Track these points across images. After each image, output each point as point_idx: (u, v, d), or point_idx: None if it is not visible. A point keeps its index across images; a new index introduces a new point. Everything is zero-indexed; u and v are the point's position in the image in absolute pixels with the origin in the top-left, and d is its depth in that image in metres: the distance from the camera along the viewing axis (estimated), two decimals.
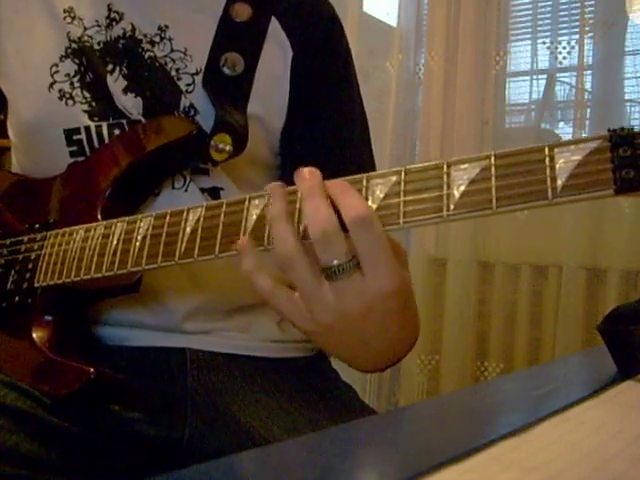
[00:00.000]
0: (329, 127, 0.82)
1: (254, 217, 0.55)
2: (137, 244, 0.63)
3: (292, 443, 0.36)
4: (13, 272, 0.73)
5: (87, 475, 0.72)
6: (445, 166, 0.49)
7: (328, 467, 0.30)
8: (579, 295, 1.79)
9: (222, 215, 0.57)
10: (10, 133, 0.82)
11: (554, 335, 1.84)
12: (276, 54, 0.80)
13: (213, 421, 0.74)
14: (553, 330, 1.84)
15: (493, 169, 0.47)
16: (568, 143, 0.45)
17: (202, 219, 0.59)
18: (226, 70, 0.76)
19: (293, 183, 0.53)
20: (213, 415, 0.74)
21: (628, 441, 0.34)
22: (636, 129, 0.43)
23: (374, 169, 0.82)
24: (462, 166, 0.48)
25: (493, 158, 0.47)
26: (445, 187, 0.48)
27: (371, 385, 2.10)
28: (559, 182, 0.44)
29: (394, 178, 0.50)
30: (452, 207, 0.48)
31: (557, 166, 0.45)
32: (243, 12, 0.79)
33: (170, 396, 0.75)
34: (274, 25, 0.80)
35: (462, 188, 0.48)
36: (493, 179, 0.47)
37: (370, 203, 0.50)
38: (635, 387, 0.47)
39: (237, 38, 0.78)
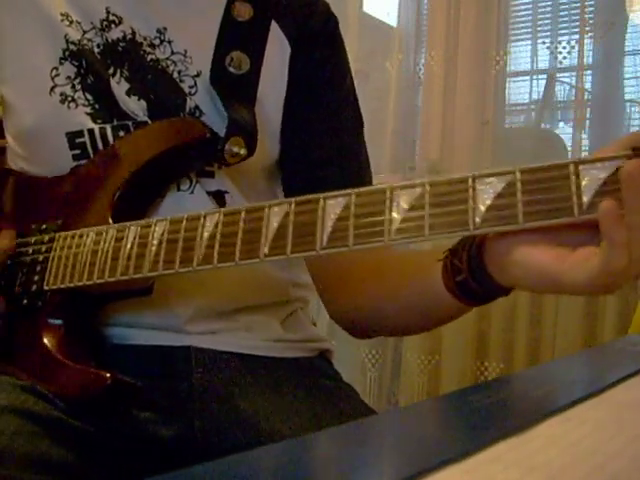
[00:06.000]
0: (326, 127, 0.82)
1: (275, 225, 0.55)
2: (153, 249, 0.62)
3: (291, 443, 0.36)
4: (21, 274, 0.73)
5: (107, 478, 0.72)
6: (470, 180, 0.49)
7: (328, 467, 0.30)
8: (579, 295, 1.79)
9: (241, 222, 0.57)
10: (9, 139, 0.82)
11: (554, 335, 1.84)
12: (276, 53, 0.80)
13: (221, 419, 0.74)
14: (553, 330, 1.84)
15: (519, 184, 0.47)
16: (593, 160, 0.45)
17: (220, 225, 0.58)
18: (232, 69, 0.76)
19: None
20: (220, 413, 0.74)
21: (628, 441, 0.34)
22: None
23: (369, 170, 0.84)
24: (487, 180, 0.48)
25: (519, 173, 0.47)
26: (470, 201, 0.48)
27: (371, 385, 2.10)
28: (585, 199, 0.45)
29: (419, 190, 0.50)
30: (478, 220, 0.48)
31: (583, 183, 0.45)
32: (245, 11, 0.79)
33: (177, 395, 0.75)
34: (273, 27, 0.81)
35: (488, 202, 0.48)
36: (519, 194, 0.47)
37: (395, 215, 0.50)
38: (635, 387, 0.47)
39: (240, 37, 0.78)
